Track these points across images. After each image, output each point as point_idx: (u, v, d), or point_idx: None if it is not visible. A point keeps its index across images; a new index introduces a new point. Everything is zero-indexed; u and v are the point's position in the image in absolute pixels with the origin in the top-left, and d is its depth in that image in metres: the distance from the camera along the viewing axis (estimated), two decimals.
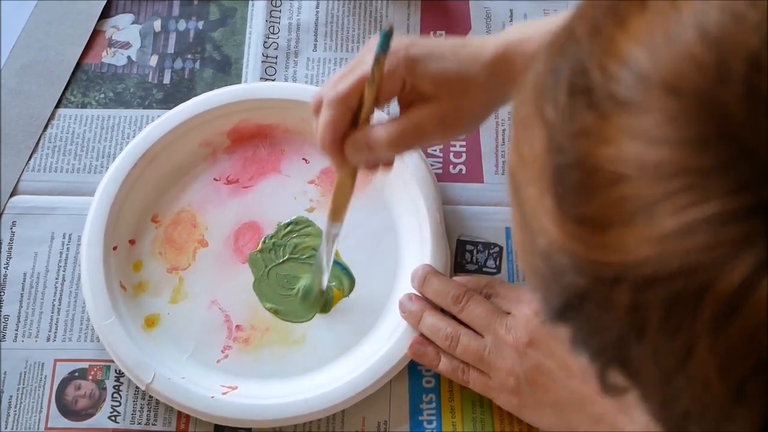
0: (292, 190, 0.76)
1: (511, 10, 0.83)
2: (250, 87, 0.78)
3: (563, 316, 0.39)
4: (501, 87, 0.63)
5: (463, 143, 0.78)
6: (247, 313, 0.72)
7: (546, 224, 0.37)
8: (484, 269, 0.74)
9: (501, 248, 0.75)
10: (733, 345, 0.33)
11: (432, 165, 0.77)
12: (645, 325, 0.35)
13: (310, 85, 0.79)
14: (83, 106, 0.80)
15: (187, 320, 0.72)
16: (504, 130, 0.79)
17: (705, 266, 0.33)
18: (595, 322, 0.37)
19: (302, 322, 0.72)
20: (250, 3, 0.84)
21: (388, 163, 0.67)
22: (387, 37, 0.60)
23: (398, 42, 0.63)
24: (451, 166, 0.78)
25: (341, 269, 0.73)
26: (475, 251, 0.75)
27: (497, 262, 0.74)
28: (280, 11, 0.83)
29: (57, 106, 0.80)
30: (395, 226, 0.74)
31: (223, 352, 0.71)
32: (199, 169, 0.76)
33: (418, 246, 0.72)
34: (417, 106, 0.63)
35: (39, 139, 0.79)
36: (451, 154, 0.78)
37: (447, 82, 0.63)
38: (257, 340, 0.71)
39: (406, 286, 0.71)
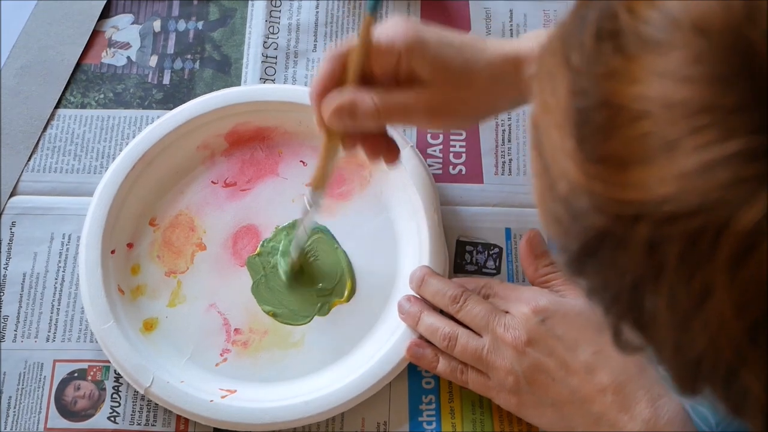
0: (290, 193, 0.75)
1: (510, 10, 0.83)
2: (248, 89, 0.78)
3: (581, 264, 0.39)
4: (503, 91, 0.64)
5: (463, 144, 0.78)
6: (246, 316, 0.72)
7: (566, 167, 0.38)
8: (483, 270, 0.74)
9: (501, 249, 0.75)
10: (751, 283, 0.33)
11: (431, 165, 0.77)
12: (662, 265, 0.35)
13: (308, 87, 0.79)
14: (83, 106, 0.80)
15: (186, 324, 0.72)
16: (504, 131, 0.79)
17: (724, 203, 0.33)
18: (612, 266, 0.37)
19: (301, 324, 0.72)
20: (250, 3, 0.83)
21: (392, 157, 0.67)
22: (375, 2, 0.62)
23: (409, 22, 0.64)
24: (450, 167, 0.78)
25: (349, 270, 0.73)
26: (474, 252, 0.75)
27: (497, 263, 0.74)
28: (279, 11, 0.83)
29: (57, 107, 0.80)
30: (393, 227, 0.74)
31: (221, 355, 0.71)
32: (196, 171, 0.76)
33: (416, 247, 0.72)
34: (410, 87, 0.63)
35: (39, 140, 0.79)
36: (451, 155, 0.78)
37: (444, 71, 0.63)
38: (256, 344, 0.71)
39: (404, 288, 0.71)
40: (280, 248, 0.73)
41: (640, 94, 0.35)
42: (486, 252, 0.75)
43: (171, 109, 0.78)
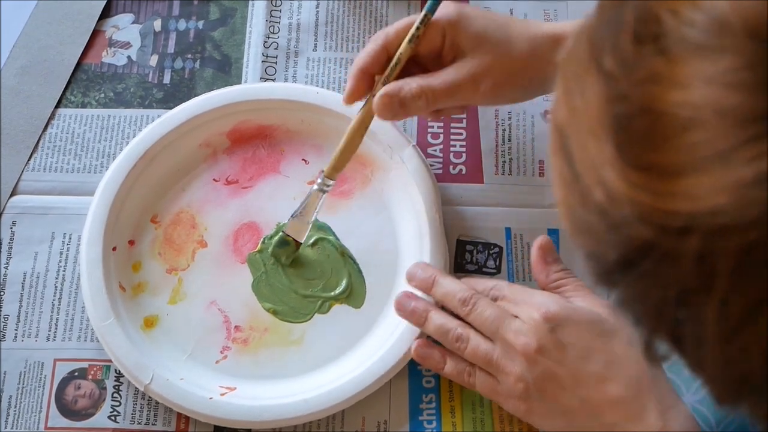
0: (291, 191, 0.75)
1: (511, 10, 0.83)
2: (250, 87, 0.78)
3: (616, 274, 0.38)
4: (543, 67, 0.63)
5: (463, 143, 0.78)
6: (246, 313, 0.72)
7: (605, 175, 0.36)
8: (483, 269, 0.74)
9: (501, 248, 0.75)
10: None
11: (432, 165, 0.77)
12: (713, 278, 0.33)
13: (310, 85, 0.79)
14: (83, 105, 0.80)
15: (186, 321, 0.72)
16: (504, 131, 0.79)
17: None
18: (654, 277, 0.36)
19: (301, 322, 0.72)
20: (250, 3, 0.83)
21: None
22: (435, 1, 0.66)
23: (453, 3, 0.66)
24: (451, 167, 0.78)
25: (358, 274, 0.73)
26: (474, 251, 0.75)
27: (497, 263, 0.74)
28: (280, 11, 0.83)
29: (57, 106, 0.80)
30: (394, 226, 0.74)
31: (221, 352, 0.71)
32: (198, 169, 0.76)
33: (417, 247, 0.72)
34: (453, 64, 0.66)
35: (39, 139, 0.79)
36: (451, 155, 0.78)
37: (486, 41, 0.65)
38: (256, 341, 0.71)
39: (405, 287, 0.71)
40: (276, 239, 0.73)
41: (686, 100, 0.33)
42: (486, 251, 0.75)
43: (171, 108, 0.78)
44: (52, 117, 0.79)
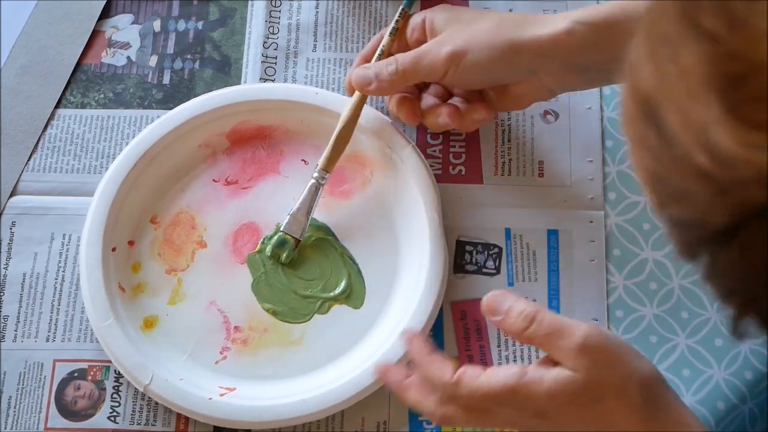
0: (291, 192, 0.75)
1: (510, 10, 0.83)
2: (249, 88, 0.78)
3: (712, 243, 0.36)
4: (513, 43, 0.68)
5: (463, 144, 0.78)
6: (246, 314, 0.72)
7: (712, 138, 0.34)
8: (483, 270, 0.74)
9: (500, 249, 0.75)
10: None
11: (432, 166, 0.77)
12: None
13: (309, 86, 0.79)
14: (83, 106, 0.80)
15: (186, 321, 0.72)
16: (504, 131, 0.79)
17: None
18: (761, 244, 0.34)
19: (301, 322, 0.72)
20: (250, 3, 0.83)
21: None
22: None
23: (440, 41, 0.70)
24: (450, 167, 0.78)
25: (357, 274, 0.74)
26: (474, 252, 0.75)
27: (496, 263, 0.74)
28: (279, 11, 0.83)
29: (57, 107, 0.80)
30: (394, 227, 0.74)
31: (221, 353, 0.71)
32: (198, 170, 0.76)
33: (417, 248, 0.72)
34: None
35: (39, 140, 0.79)
36: (451, 155, 0.78)
37: (458, 18, 0.71)
38: (255, 341, 0.71)
39: (404, 288, 0.71)
40: (275, 239, 0.73)
41: None
42: (486, 252, 0.75)
43: (171, 109, 0.78)
44: (51, 117, 0.79)
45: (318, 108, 0.76)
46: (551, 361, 0.57)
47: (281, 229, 0.73)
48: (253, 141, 0.77)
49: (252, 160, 0.77)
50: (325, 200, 0.74)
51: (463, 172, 0.78)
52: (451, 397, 0.58)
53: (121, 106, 0.80)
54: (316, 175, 0.72)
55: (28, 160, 0.78)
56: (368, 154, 0.76)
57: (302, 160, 0.77)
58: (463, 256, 0.75)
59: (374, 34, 0.82)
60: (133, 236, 0.74)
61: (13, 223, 0.76)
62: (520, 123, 0.79)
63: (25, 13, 0.83)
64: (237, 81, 0.81)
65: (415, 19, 0.73)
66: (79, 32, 0.83)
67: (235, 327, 0.72)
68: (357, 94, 0.73)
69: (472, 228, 0.75)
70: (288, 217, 0.73)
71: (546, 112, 0.79)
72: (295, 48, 0.82)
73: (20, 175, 0.77)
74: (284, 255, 0.73)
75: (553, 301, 0.73)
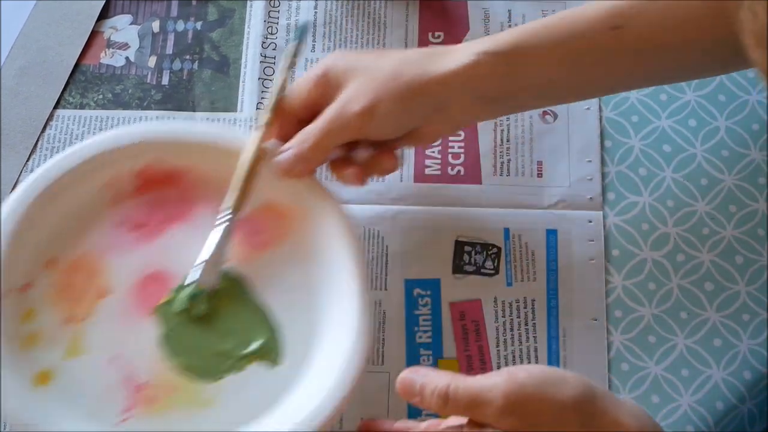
0: (202, 239, 0.67)
1: (509, 11, 0.83)
2: (161, 126, 0.72)
3: None
4: (420, 80, 0.65)
5: (462, 144, 0.78)
6: (152, 370, 0.65)
7: None
8: (482, 270, 0.74)
9: (499, 249, 0.75)
10: None
11: (430, 166, 0.77)
12: None
13: (228, 126, 0.77)
14: (82, 107, 0.80)
15: (84, 377, 0.64)
16: (503, 131, 0.79)
17: None
18: None
19: (213, 381, 0.65)
20: (249, 3, 0.84)
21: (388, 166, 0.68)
22: (303, 29, 0.70)
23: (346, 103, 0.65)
24: (449, 167, 0.78)
25: (274, 330, 0.67)
26: (473, 252, 0.75)
27: (495, 263, 0.74)
28: (278, 12, 0.83)
29: (55, 107, 0.80)
30: (314, 280, 0.68)
31: (123, 413, 0.63)
32: (102, 211, 0.69)
33: (339, 302, 0.66)
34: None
35: (37, 140, 0.79)
36: (450, 155, 0.78)
37: (355, 69, 0.66)
38: (163, 401, 0.64)
39: (326, 346, 0.65)
40: (186, 290, 0.67)
41: None
42: (484, 252, 0.75)
43: (170, 109, 0.78)
44: (50, 118, 0.80)
45: (233, 152, 0.69)
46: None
47: (192, 279, 0.66)
48: (164, 183, 0.71)
49: (162, 204, 0.70)
50: (241, 250, 0.69)
51: (461, 173, 0.78)
52: None
53: (120, 106, 0.80)
54: (224, 216, 0.66)
55: (27, 161, 0.78)
56: (286, 203, 0.69)
57: (215, 205, 0.69)
58: (462, 257, 0.75)
59: (372, 34, 0.82)
60: (27, 279, 0.66)
61: None
62: (518, 123, 0.79)
63: (24, 14, 0.83)
64: (236, 81, 0.81)
65: (313, 74, 0.67)
66: (77, 33, 0.83)
67: (140, 384, 0.64)
68: (255, 134, 0.68)
69: (470, 228, 0.75)
70: (199, 266, 0.66)
71: (545, 113, 0.79)
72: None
73: (19, 176, 0.77)
74: (195, 307, 0.66)
75: (552, 301, 0.73)
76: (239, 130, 0.74)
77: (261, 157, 0.67)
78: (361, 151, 0.69)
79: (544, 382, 0.56)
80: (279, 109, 0.68)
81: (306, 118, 0.67)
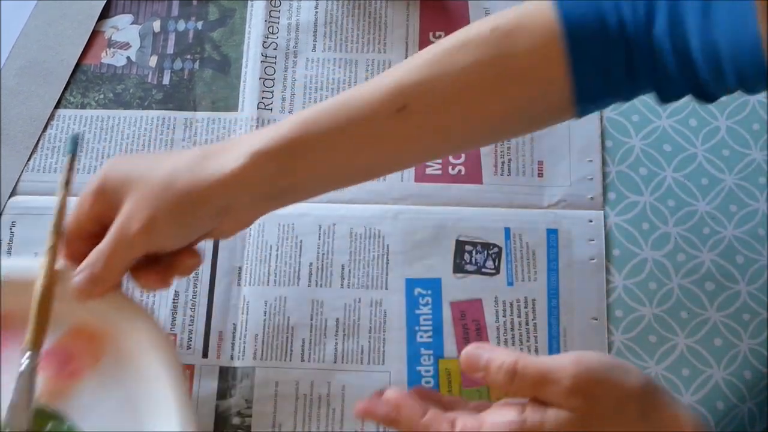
0: (11, 383, 0.62)
1: None
2: None
3: None
4: (193, 182, 0.61)
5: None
6: None
7: None
8: (483, 269, 0.74)
9: (500, 248, 0.75)
10: None
11: (431, 165, 0.77)
12: None
13: (28, 259, 0.72)
14: (83, 106, 0.80)
15: None
16: None
17: None
18: None
19: None
20: (249, 3, 0.84)
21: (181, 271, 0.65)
22: (74, 141, 0.67)
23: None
24: (450, 167, 0.78)
25: None
26: (474, 252, 0.75)
27: (496, 263, 0.74)
28: (279, 11, 0.83)
29: (56, 107, 0.80)
30: (135, 402, 0.64)
31: None
32: None
33: (164, 418, 0.63)
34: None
35: (38, 140, 0.79)
36: (450, 155, 0.78)
37: (130, 182, 0.62)
38: None
39: None
40: None
41: None
42: (485, 251, 0.75)
43: (171, 109, 0.79)
44: (51, 118, 0.80)
45: (31, 282, 0.64)
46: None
47: (2, 427, 0.61)
48: None
49: None
50: (54, 383, 0.65)
51: (462, 172, 0.78)
52: None
53: (121, 106, 0.80)
54: (25, 358, 0.62)
55: (28, 161, 0.78)
56: (96, 324, 0.66)
57: (23, 345, 0.63)
58: (463, 256, 0.75)
59: (373, 34, 0.82)
60: None
61: (13, 223, 0.76)
62: None
63: (25, 14, 0.83)
64: (237, 81, 0.81)
65: (91, 188, 0.63)
66: (78, 32, 0.83)
67: None
68: (43, 259, 0.65)
69: (471, 228, 0.75)
70: (7, 411, 0.61)
71: None
72: (294, 48, 0.82)
73: (20, 176, 0.77)
74: None
75: (553, 301, 0.73)
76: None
77: (52, 283, 0.64)
78: (160, 253, 0.65)
79: (612, 369, 0.56)
80: (61, 230, 0.65)
81: (97, 232, 0.63)
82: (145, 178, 0.61)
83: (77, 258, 0.63)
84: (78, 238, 0.64)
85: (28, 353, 0.62)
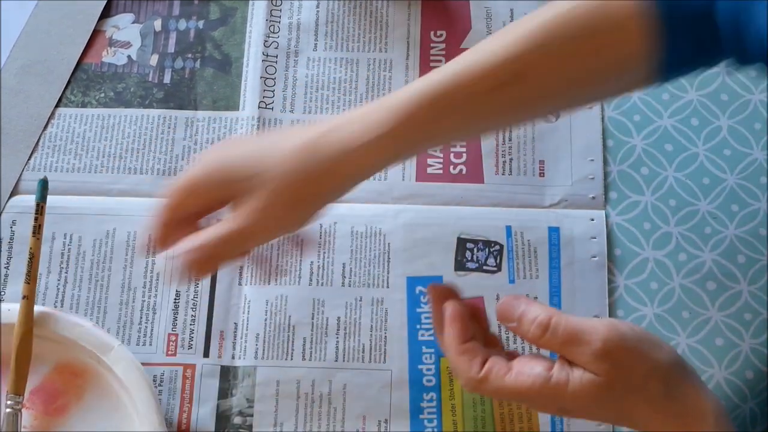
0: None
1: (511, 10, 0.83)
2: None
3: None
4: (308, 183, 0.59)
5: (464, 143, 0.78)
6: None
7: None
8: (484, 267, 0.74)
9: (501, 246, 0.75)
10: None
11: (432, 165, 0.77)
12: None
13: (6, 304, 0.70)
14: (83, 105, 0.80)
15: None
16: (504, 130, 0.79)
17: None
18: None
19: None
20: (251, 2, 0.84)
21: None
22: (42, 186, 0.68)
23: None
24: (451, 167, 0.78)
25: None
26: (475, 249, 0.75)
27: (497, 261, 0.74)
28: (280, 10, 0.83)
29: (57, 106, 0.80)
30: (122, 427, 0.68)
31: None
32: None
33: None
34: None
35: (39, 139, 0.79)
36: (452, 155, 0.78)
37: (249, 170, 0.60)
38: None
39: None
40: None
41: None
42: (487, 249, 0.75)
43: (172, 108, 0.78)
44: (52, 116, 0.79)
45: (8, 327, 0.67)
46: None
47: None
48: None
49: None
50: (40, 422, 0.68)
51: (463, 172, 0.78)
52: (477, 388, 0.58)
53: (122, 105, 0.80)
54: (8, 402, 0.65)
55: (29, 160, 0.78)
56: (76, 362, 0.69)
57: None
58: (464, 254, 0.75)
59: (374, 33, 0.82)
60: None
61: (14, 222, 0.76)
62: None
63: (26, 13, 0.83)
64: (238, 80, 0.81)
65: (192, 180, 0.61)
66: (79, 32, 0.83)
67: None
68: (21, 304, 0.67)
69: (472, 225, 0.75)
70: None
71: None
72: (295, 47, 0.82)
73: (21, 175, 0.77)
74: None
75: (554, 299, 0.73)
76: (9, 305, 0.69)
77: (29, 330, 0.66)
78: None
79: (644, 341, 0.56)
80: (36, 277, 0.67)
81: (189, 218, 0.62)
82: (261, 176, 0.59)
83: (169, 244, 0.62)
84: (170, 225, 0.62)
85: (10, 396, 0.65)
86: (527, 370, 0.56)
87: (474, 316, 0.60)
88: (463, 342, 0.58)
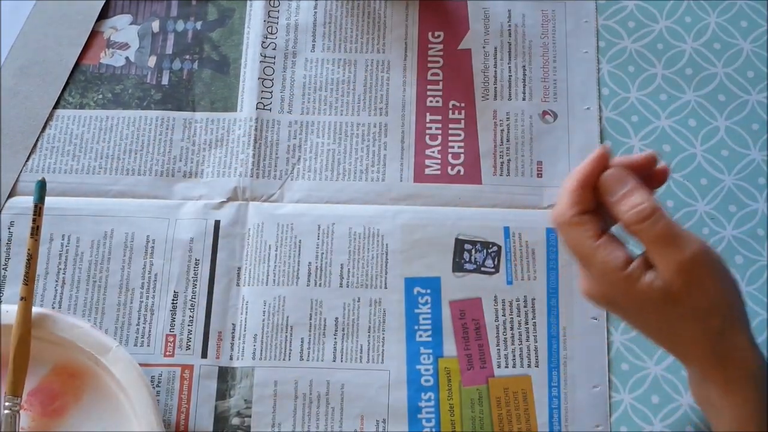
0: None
1: (509, 10, 0.83)
2: None
3: None
4: None
5: (462, 144, 0.78)
6: None
7: None
8: (482, 268, 0.74)
9: (499, 247, 0.75)
10: None
11: (430, 166, 0.77)
12: None
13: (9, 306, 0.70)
14: (81, 106, 0.80)
15: None
16: (503, 131, 0.79)
17: None
18: None
19: None
20: (249, 3, 0.84)
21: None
22: (40, 187, 0.68)
23: None
24: (449, 167, 0.78)
25: None
26: (473, 250, 0.75)
27: (495, 262, 0.74)
28: (278, 11, 0.83)
29: (55, 107, 0.80)
30: (121, 427, 0.68)
31: None
32: None
33: None
34: None
35: (37, 140, 0.79)
36: (450, 155, 0.78)
37: None
38: None
39: None
40: None
41: None
42: (485, 250, 0.75)
43: (170, 109, 0.78)
44: (50, 118, 0.79)
45: (6, 328, 0.68)
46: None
47: None
48: None
49: None
50: (38, 423, 0.68)
51: (461, 173, 0.78)
52: (561, 225, 0.58)
53: (120, 106, 0.80)
54: (6, 404, 0.65)
55: (27, 161, 0.78)
56: (74, 363, 0.69)
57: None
58: (462, 255, 0.75)
59: (372, 34, 0.82)
60: None
61: (12, 223, 0.76)
62: (518, 123, 0.79)
63: (24, 14, 0.83)
64: (236, 81, 0.81)
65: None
66: (77, 33, 0.83)
67: None
68: (19, 306, 0.67)
69: (470, 227, 0.75)
70: None
71: (545, 113, 0.79)
72: (293, 48, 0.82)
73: (19, 176, 0.77)
74: None
75: (552, 300, 0.73)
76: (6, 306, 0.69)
77: (27, 332, 0.67)
78: None
79: (725, 275, 0.56)
80: (34, 279, 0.68)
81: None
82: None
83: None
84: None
85: (8, 398, 0.65)
86: (611, 248, 0.56)
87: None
88: (595, 239, 0.57)
